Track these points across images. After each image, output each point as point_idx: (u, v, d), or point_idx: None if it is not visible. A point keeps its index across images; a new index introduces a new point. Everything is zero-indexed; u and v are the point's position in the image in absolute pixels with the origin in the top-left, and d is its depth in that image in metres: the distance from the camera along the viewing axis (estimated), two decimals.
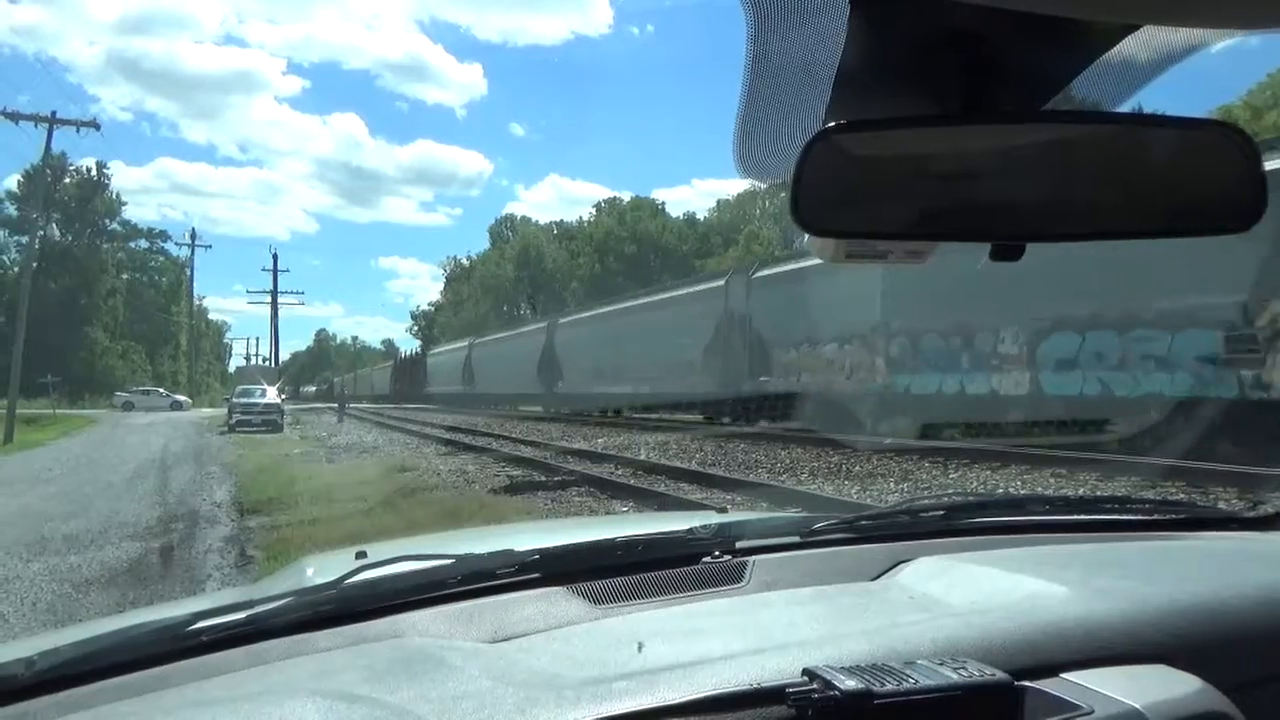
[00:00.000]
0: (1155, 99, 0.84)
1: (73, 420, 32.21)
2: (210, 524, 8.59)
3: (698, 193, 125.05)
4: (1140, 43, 0.76)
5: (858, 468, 10.32)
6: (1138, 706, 0.92)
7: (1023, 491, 7.83)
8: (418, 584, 1.25)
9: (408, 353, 65.76)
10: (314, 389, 78.37)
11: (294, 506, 9.14)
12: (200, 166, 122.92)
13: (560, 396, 28.01)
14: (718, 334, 19.26)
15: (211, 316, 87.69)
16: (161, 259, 72.29)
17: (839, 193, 0.78)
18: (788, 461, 11.20)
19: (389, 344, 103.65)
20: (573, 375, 27.56)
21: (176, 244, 72.50)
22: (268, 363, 55.07)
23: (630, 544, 1.39)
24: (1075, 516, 1.75)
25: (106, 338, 62.63)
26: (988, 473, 9.25)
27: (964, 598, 1.19)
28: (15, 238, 60.76)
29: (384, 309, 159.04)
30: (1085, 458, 9.08)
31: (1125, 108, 0.84)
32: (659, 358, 21.38)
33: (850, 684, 0.89)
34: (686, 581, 1.31)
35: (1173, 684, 0.97)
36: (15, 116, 27.79)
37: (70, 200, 63.70)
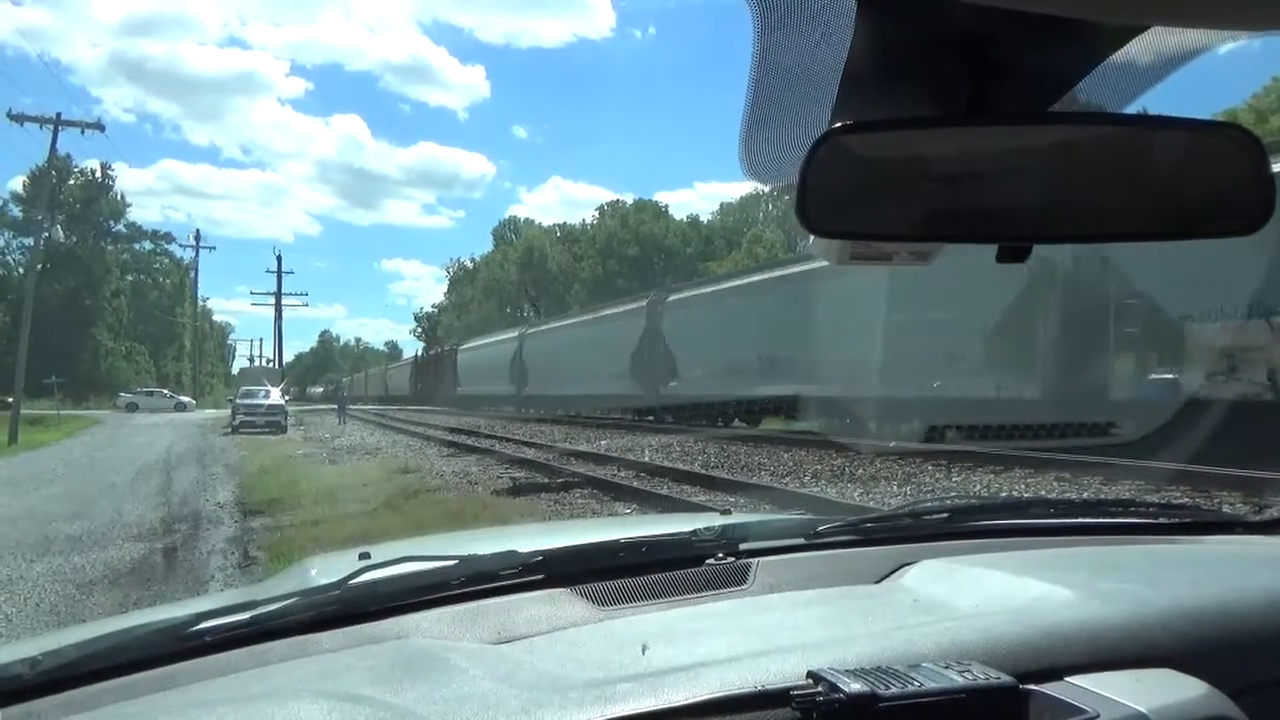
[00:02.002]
0: (1160, 101, 0.84)
1: (77, 421, 32.22)
2: (214, 525, 8.60)
3: (700, 195, 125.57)
4: (1146, 44, 0.76)
5: (860, 470, 10.31)
6: (1143, 710, 0.91)
7: (1026, 494, 7.82)
8: (421, 585, 1.25)
9: (433, 348, 56.19)
10: (321, 390, 77.67)
11: (297, 507, 9.15)
12: (203, 168, 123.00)
13: (672, 398, 20.80)
14: (1036, 302, 11.58)
15: (215, 318, 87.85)
16: (165, 260, 72.46)
17: (844, 194, 0.78)
18: (790, 464, 11.19)
19: (392, 345, 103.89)
20: (694, 372, 20.38)
21: (180, 245, 72.34)
22: (271, 364, 54.90)
23: (634, 545, 1.39)
24: (1079, 520, 1.74)
25: (111, 339, 62.76)
26: (990, 476, 9.24)
27: (968, 600, 1.18)
28: (20, 239, 61.06)
29: (387, 311, 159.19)
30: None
31: (1131, 109, 0.84)
32: (890, 343, 13.69)
33: (855, 686, 0.88)
34: (690, 583, 1.31)
35: (1177, 687, 0.97)
36: (21, 118, 27.90)
37: (75, 202, 63.82)
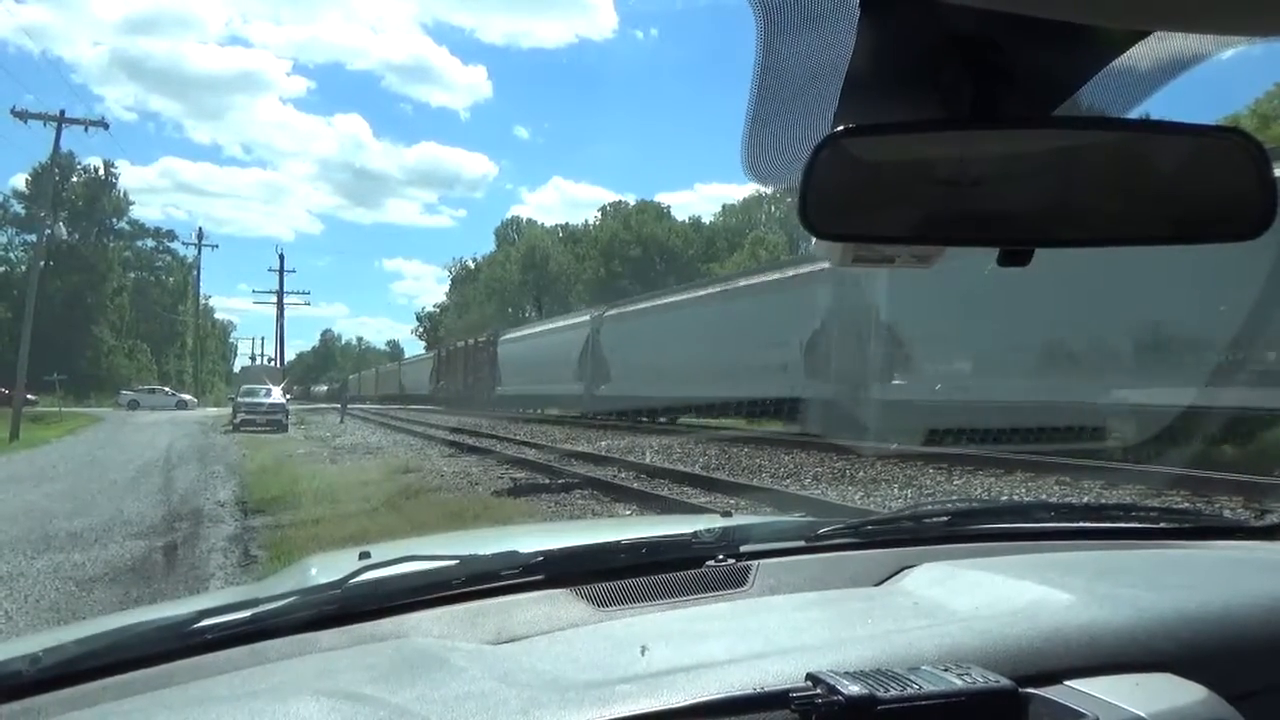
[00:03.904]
0: (1163, 106, 0.84)
1: (78, 418, 32.27)
2: (214, 523, 8.60)
3: (701, 197, 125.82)
4: (1149, 49, 0.76)
5: (861, 473, 10.30)
6: (1142, 715, 0.91)
7: (1027, 498, 7.81)
8: (421, 584, 1.25)
9: (462, 339, 43.43)
10: (325, 389, 76.86)
11: (298, 506, 9.15)
12: (204, 166, 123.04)
13: (894, 399, 13.36)
14: None
15: (217, 316, 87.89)
16: (168, 258, 72.70)
17: (847, 197, 0.78)
18: (791, 466, 11.18)
19: (394, 345, 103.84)
20: (939, 364, 13.10)
21: (183, 243, 72.35)
22: (273, 363, 54.93)
23: (634, 547, 1.39)
24: (1080, 524, 1.74)
25: (113, 336, 62.87)
26: (991, 479, 9.23)
27: (968, 604, 1.18)
28: (23, 236, 61.20)
29: (388, 310, 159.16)
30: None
31: (1134, 114, 0.84)
32: None
33: (854, 689, 0.88)
34: (690, 585, 1.31)
35: (1178, 692, 0.97)
36: (25, 115, 28.03)
37: (78, 199, 63.93)
